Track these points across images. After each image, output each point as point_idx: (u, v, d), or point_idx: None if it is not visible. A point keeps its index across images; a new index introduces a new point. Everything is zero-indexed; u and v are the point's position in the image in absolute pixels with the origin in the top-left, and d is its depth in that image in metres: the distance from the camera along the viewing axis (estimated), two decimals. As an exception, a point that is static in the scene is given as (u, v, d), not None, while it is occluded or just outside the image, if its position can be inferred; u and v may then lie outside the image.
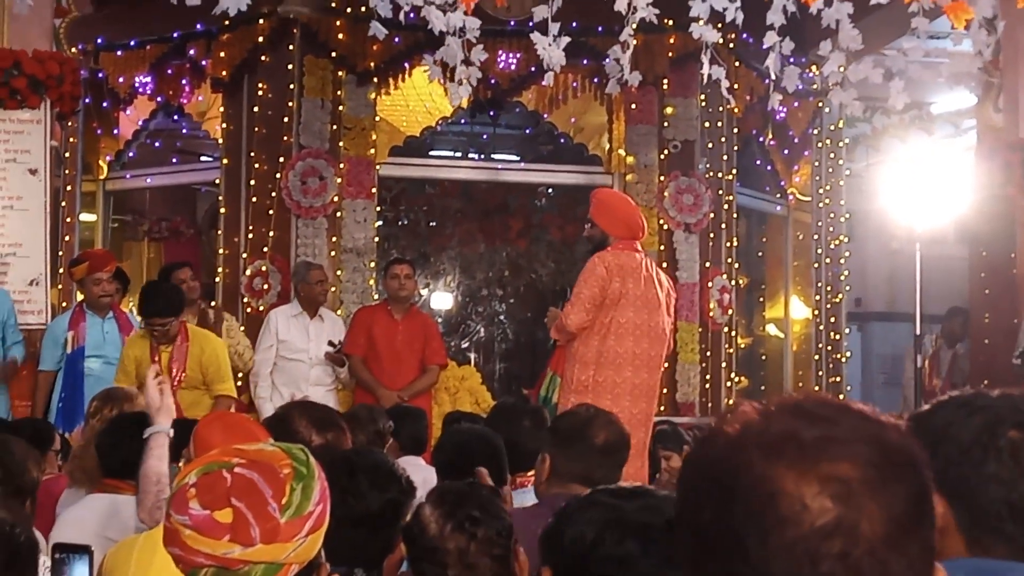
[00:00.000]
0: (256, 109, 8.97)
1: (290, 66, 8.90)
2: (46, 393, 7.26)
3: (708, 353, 9.43)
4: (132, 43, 9.31)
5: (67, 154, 9.00)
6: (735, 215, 10.04)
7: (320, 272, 8.16)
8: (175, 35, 9.20)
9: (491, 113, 10.07)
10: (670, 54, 9.20)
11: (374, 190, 9.07)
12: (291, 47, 8.92)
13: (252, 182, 8.92)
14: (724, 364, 9.61)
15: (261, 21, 8.85)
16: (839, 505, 0.99)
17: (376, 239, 9.13)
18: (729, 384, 9.71)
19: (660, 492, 1.70)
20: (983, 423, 1.71)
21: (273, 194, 8.82)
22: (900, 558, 1.00)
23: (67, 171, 9.02)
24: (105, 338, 7.18)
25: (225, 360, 6.78)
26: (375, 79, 9.02)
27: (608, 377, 5.79)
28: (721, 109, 9.47)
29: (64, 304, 8.21)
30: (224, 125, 9.25)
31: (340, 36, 8.87)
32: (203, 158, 10.90)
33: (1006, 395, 1.78)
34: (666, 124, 9.43)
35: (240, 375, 7.86)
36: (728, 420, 1.08)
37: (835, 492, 0.99)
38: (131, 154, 10.06)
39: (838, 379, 10.76)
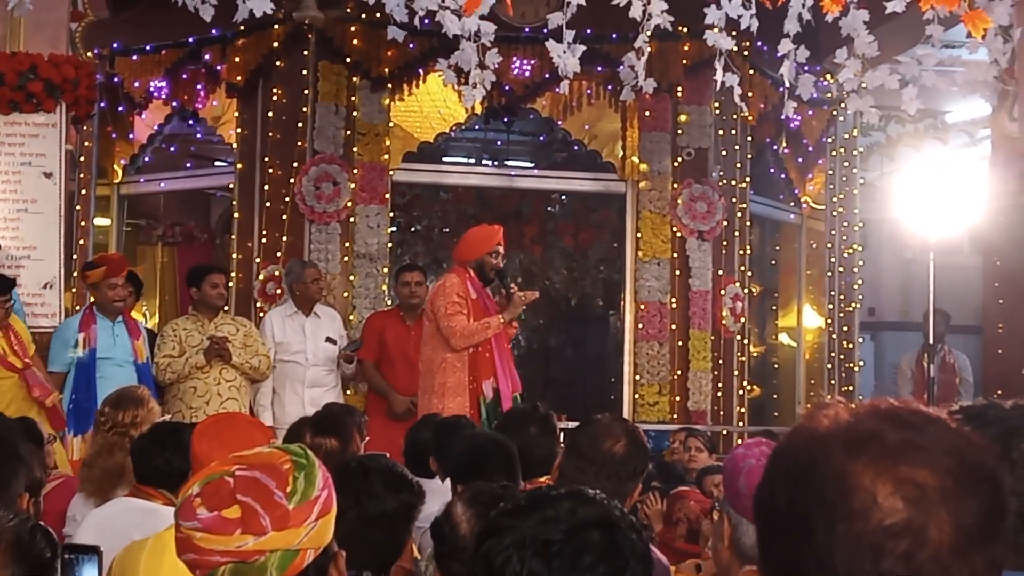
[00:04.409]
0: (271, 114, 8.99)
1: (305, 71, 8.93)
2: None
3: (720, 361, 9.41)
4: (148, 48, 9.33)
5: (82, 158, 9.02)
6: (748, 223, 10.02)
7: (315, 271, 8.14)
8: (190, 40, 9.21)
9: (505, 120, 10.05)
10: (684, 61, 9.21)
11: (387, 196, 9.08)
12: (306, 52, 8.94)
13: (266, 187, 8.94)
14: (736, 372, 9.59)
15: (276, 27, 8.87)
16: (910, 508, 1.02)
17: (389, 245, 9.13)
18: (741, 392, 9.68)
19: (556, 496, 1.75)
20: (997, 435, 1.70)
21: (287, 199, 8.84)
22: (963, 568, 1.02)
23: (82, 175, 9.04)
24: (115, 341, 7.20)
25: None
26: (389, 85, 9.03)
27: None
28: (735, 117, 9.46)
29: (77, 307, 8.22)
30: (239, 130, 9.27)
31: (355, 42, 8.89)
32: (217, 163, 10.91)
33: (1019, 406, 1.77)
34: (680, 131, 9.42)
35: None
36: (819, 416, 1.11)
37: (908, 495, 1.02)
38: (146, 158, 10.07)
39: (850, 388, 10.72)
